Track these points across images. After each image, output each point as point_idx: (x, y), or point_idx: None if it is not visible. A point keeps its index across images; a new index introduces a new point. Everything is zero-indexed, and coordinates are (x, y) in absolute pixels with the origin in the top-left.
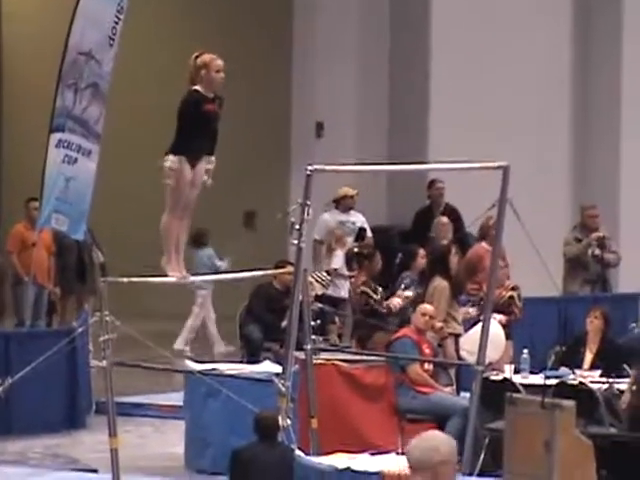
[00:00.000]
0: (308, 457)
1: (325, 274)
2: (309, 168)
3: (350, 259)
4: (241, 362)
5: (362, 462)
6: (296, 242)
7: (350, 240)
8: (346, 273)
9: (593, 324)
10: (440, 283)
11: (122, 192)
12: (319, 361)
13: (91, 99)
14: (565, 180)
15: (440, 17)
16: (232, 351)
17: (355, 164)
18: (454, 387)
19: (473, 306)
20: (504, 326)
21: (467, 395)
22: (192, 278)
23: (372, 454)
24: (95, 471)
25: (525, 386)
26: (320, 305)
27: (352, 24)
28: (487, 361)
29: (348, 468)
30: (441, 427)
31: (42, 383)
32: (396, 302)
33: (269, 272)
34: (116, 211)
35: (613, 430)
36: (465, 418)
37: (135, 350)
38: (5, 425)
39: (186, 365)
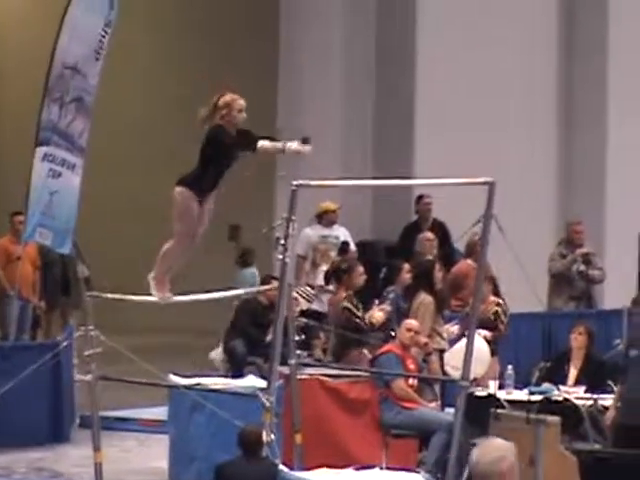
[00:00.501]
0: (292, 472)
1: (309, 289)
2: (294, 183)
3: (329, 275)
4: (225, 376)
5: (346, 477)
6: (281, 257)
7: (334, 254)
8: (330, 289)
9: (577, 340)
10: (425, 298)
11: (107, 205)
12: (303, 376)
13: (76, 113)
14: (551, 196)
15: (426, 33)
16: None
17: (340, 179)
18: (439, 402)
19: (457, 324)
20: (489, 342)
21: (452, 410)
22: (174, 298)
23: (356, 469)
24: None
25: (510, 402)
26: (304, 320)
27: (338, 41)
28: (472, 377)
29: None
30: (426, 442)
31: (26, 397)
32: (377, 316)
33: (253, 289)
34: (100, 225)
35: (597, 446)
36: (450, 433)
37: (119, 364)
38: None
39: (170, 379)
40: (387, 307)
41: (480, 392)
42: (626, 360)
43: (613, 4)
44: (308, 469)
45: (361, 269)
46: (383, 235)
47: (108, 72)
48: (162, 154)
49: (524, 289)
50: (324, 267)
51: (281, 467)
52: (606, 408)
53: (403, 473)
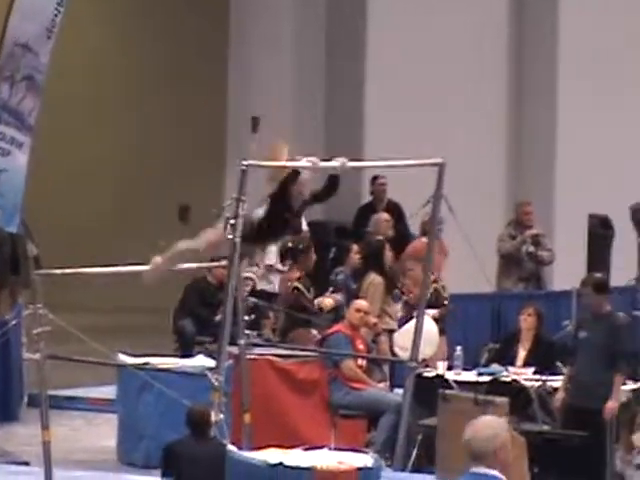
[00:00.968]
0: (240, 452)
1: (256, 268)
2: (243, 163)
3: (284, 253)
4: (174, 356)
5: (295, 457)
6: (231, 237)
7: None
8: (280, 268)
9: (527, 321)
10: (374, 279)
11: (54, 184)
12: (252, 356)
13: (26, 91)
14: (501, 177)
15: (376, 10)
16: None
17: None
18: (387, 383)
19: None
20: (437, 320)
21: (400, 391)
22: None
23: (305, 449)
24: (27, 464)
25: (458, 383)
26: (254, 300)
27: (288, 19)
28: (421, 357)
29: (281, 463)
30: (374, 423)
31: None
32: (327, 302)
33: (204, 265)
34: (48, 203)
35: (546, 427)
36: (398, 414)
37: (68, 343)
38: None
39: (119, 359)
40: (338, 296)
41: (428, 373)
42: (575, 341)
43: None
44: (257, 449)
45: (313, 250)
46: (334, 216)
47: (57, 50)
48: (110, 132)
49: (473, 269)
50: (272, 247)
51: (229, 447)
52: (555, 389)
53: (352, 453)
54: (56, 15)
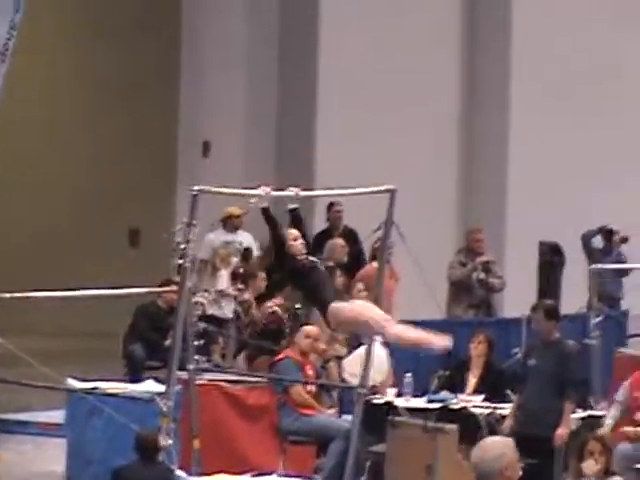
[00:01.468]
0: (189, 477)
1: (206, 294)
2: (195, 188)
3: (234, 278)
4: (124, 381)
5: None
6: (181, 262)
7: (236, 260)
8: (231, 293)
9: (477, 349)
10: None
11: (3, 204)
12: (202, 381)
13: None
14: (451, 204)
15: (328, 35)
16: None
17: (243, 184)
18: (337, 409)
19: None
20: (387, 344)
21: (349, 417)
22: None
23: (254, 475)
24: None
25: (408, 409)
26: (204, 325)
27: (240, 43)
28: (371, 384)
29: None
30: (323, 449)
31: None
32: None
33: (154, 290)
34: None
35: None
36: (347, 441)
37: (18, 367)
38: None
39: (68, 383)
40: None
41: (378, 400)
42: (524, 369)
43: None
44: (206, 474)
45: (263, 275)
46: None
47: (11, 73)
48: (63, 153)
49: (424, 296)
50: (223, 272)
51: (178, 472)
52: (504, 417)
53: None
54: (9, 39)
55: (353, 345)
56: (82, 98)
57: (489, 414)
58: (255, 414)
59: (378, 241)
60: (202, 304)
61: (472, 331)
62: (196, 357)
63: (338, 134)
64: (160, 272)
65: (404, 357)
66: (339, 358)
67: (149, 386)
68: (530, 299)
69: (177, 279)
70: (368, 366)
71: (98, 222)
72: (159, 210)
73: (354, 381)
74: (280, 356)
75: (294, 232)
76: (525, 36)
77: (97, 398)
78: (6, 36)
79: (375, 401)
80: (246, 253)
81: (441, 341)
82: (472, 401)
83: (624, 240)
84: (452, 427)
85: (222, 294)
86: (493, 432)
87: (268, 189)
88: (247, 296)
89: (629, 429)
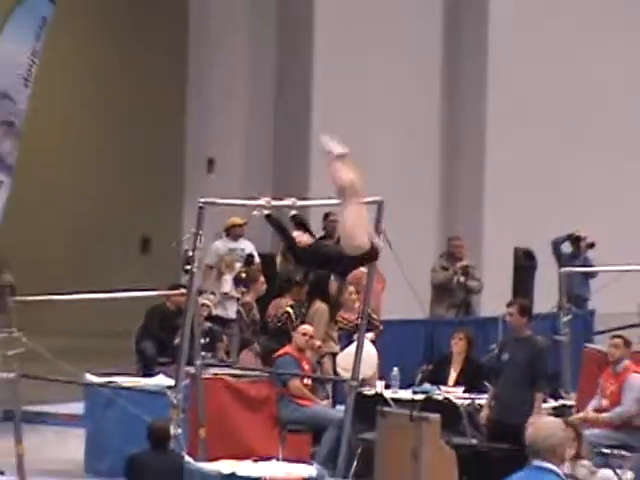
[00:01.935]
0: (196, 463)
1: (212, 296)
2: (201, 201)
3: (238, 282)
4: (137, 375)
5: (246, 468)
6: (189, 267)
7: (239, 265)
8: (235, 295)
9: (458, 345)
10: (320, 306)
11: (28, 219)
12: (208, 376)
13: (5, 135)
14: (434, 214)
15: (320, 75)
16: None
17: (244, 195)
18: (330, 400)
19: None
20: (374, 342)
21: (342, 408)
22: None
23: (255, 461)
24: (2, 473)
25: (395, 400)
26: (209, 324)
27: (242, 75)
28: (361, 377)
29: (233, 473)
30: (318, 437)
31: None
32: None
33: (164, 293)
34: (23, 236)
35: (474, 441)
36: (340, 429)
37: (40, 363)
38: None
39: (86, 378)
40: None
41: (368, 391)
42: (498, 363)
43: (493, 13)
44: (211, 460)
45: (262, 279)
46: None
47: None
48: (80, 172)
49: (409, 297)
50: (228, 276)
51: (186, 458)
52: (482, 407)
53: (298, 465)
54: (31, 65)
55: (345, 343)
56: (101, 119)
57: (469, 404)
58: (256, 405)
59: None
60: (208, 306)
61: (453, 329)
62: (202, 354)
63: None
64: (169, 277)
65: (392, 353)
66: (333, 354)
67: (160, 380)
68: (506, 300)
69: (185, 283)
70: (359, 361)
71: (113, 231)
72: (168, 220)
73: (346, 375)
74: (279, 353)
75: (297, 233)
76: (500, 56)
77: (113, 391)
78: (29, 63)
79: (365, 393)
80: (248, 259)
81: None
82: (453, 392)
83: (591, 245)
84: (435, 416)
85: (226, 296)
86: (472, 420)
87: (268, 198)
88: (248, 298)
89: (591, 415)
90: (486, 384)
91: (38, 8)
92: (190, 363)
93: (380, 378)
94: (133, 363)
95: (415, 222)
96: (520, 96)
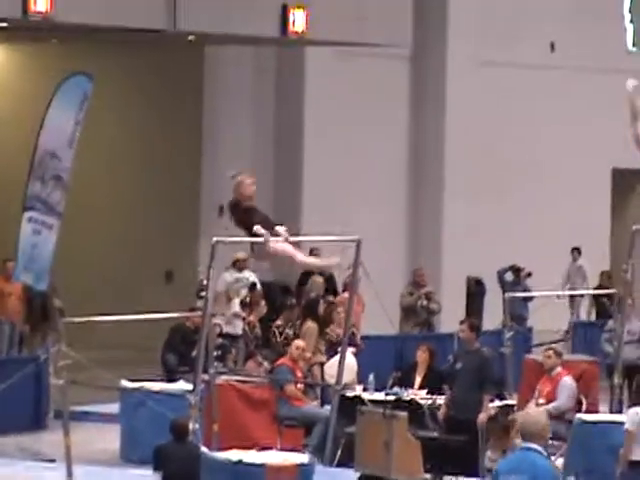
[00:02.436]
0: (211, 452)
1: (222, 317)
2: (214, 239)
3: (243, 305)
4: (162, 381)
5: (251, 456)
6: (204, 294)
7: (244, 291)
8: (242, 315)
9: (421, 356)
10: (310, 325)
11: (74, 256)
12: (220, 382)
13: (54, 187)
14: (401, 250)
15: (310, 137)
16: None
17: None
18: (319, 401)
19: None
20: (355, 355)
21: (329, 407)
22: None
23: (258, 450)
24: (53, 461)
25: (371, 401)
26: (221, 340)
27: (245, 137)
28: (343, 382)
29: (241, 460)
30: (309, 431)
31: (15, 395)
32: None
33: (184, 314)
34: (71, 269)
35: (435, 434)
36: (327, 424)
37: (85, 371)
38: None
39: (121, 383)
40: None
41: (349, 394)
42: (454, 370)
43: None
44: (223, 450)
45: (263, 302)
46: (279, 277)
47: (80, 144)
48: (114, 216)
49: (382, 317)
50: (235, 300)
51: (203, 448)
52: (441, 405)
53: (293, 453)
54: (75, 130)
55: (330, 354)
56: (137, 176)
57: (430, 404)
58: (259, 405)
59: (349, 277)
60: (220, 325)
61: (417, 343)
62: (215, 364)
63: (321, 200)
64: (188, 302)
65: (368, 363)
66: (321, 364)
67: (181, 385)
68: (460, 319)
69: (200, 306)
70: (341, 369)
71: (143, 265)
72: (187, 256)
73: (332, 381)
74: (277, 363)
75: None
76: (456, 105)
77: (143, 394)
78: (73, 128)
79: (347, 395)
80: (252, 286)
81: (332, 260)
82: (418, 394)
83: (528, 275)
84: (403, 414)
85: (234, 317)
86: (433, 417)
87: (267, 232)
88: (252, 318)
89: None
90: (444, 387)
91: (80, 85)
92: (205, 371)
93: (359, 383)
94: (159, 371)
95: (387, 257)
96: (475, 143)
